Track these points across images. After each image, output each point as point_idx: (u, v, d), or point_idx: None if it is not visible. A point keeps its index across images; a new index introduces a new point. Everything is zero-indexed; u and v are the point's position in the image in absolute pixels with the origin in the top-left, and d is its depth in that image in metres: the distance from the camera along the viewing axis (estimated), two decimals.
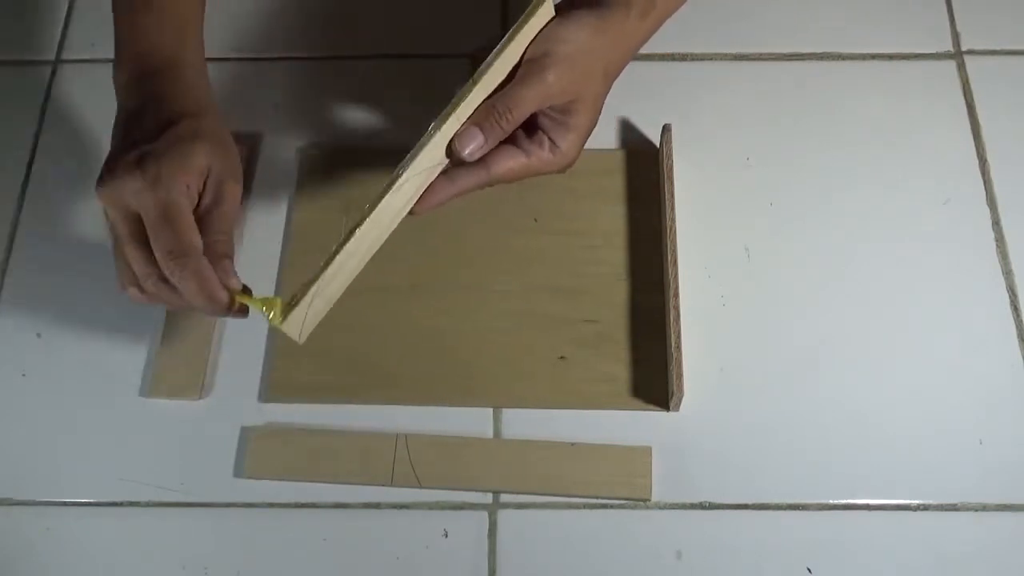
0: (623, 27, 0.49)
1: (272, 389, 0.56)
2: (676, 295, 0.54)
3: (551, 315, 0.57)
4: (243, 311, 0.48)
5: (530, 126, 0.50)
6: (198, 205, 0.48)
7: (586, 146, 0.61)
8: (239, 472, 0.54)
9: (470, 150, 0.48)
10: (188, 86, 0.51)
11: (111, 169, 0.47)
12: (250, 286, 0.58)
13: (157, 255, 0.46)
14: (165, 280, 0.46)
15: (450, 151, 0.48)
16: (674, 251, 0.56)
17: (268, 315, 0.45)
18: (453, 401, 0.55)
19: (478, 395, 0.55)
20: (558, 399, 0.55)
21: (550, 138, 0.50)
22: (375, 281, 0.58)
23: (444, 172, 0.49)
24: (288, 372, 0.56)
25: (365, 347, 0.57)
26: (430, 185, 0.49)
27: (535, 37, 0.48)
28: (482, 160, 0.49)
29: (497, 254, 0.59)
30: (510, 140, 0.49)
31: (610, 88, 0.51)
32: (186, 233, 0.46)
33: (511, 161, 0.50)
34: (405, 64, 0.66)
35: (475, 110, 0.48)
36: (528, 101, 0.47)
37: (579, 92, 0.49)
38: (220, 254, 0.47)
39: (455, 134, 0.48)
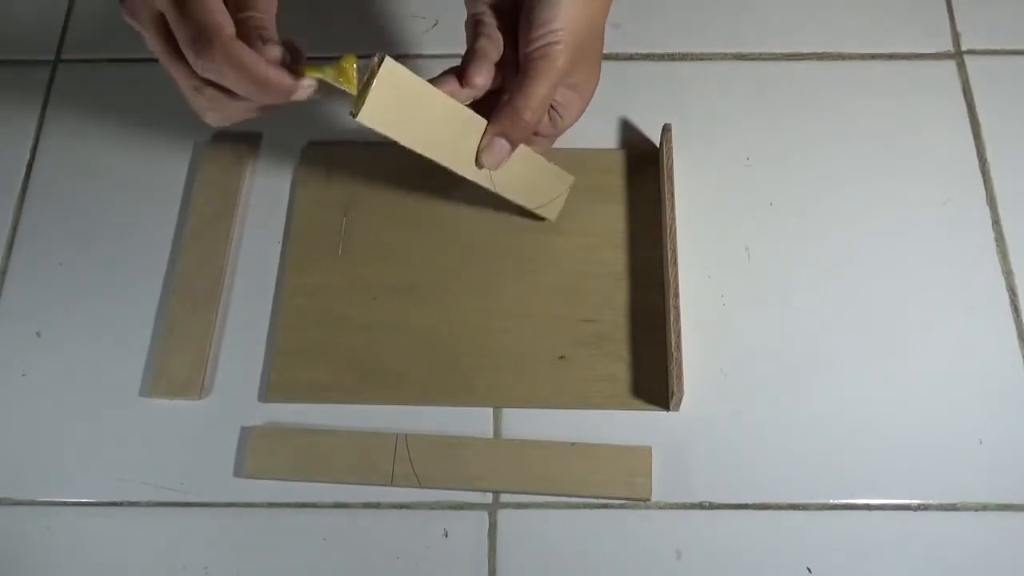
0: None
1: (272, 389, 0.56)
2: (676, 295, 0.54)
3: (551, 315, 0.57)
4: (314, 90, 0.42)
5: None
6: None
7: (587, 146, 0.62)
8: (239, 472, 0.54)
9: (500, 161, 0.49)
10: None
11: None
12: (248, 287, 0.59)
13: (184, 50, 0.39)
14: (213, 84, 0.40)
15: (479, 163, 0.50)
16: (674, 251, 0.55)
17: (341, 83, 0.41)
18: (453, 401, 0.55)
19: (478, 395, 0.55)
20: (558, 399, 0.55)
21: (557, 113, 0.52)
22: (375, 281, 0.58)
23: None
24: (288, 372, 0.56)
25: (365, 347, 0.57)
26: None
27: (528, 20, 0.47)
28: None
29: (497, 254, 0.59)
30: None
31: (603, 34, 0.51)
32: (205, 13, 0.39)
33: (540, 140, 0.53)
34: (404, 64, 0.66)
35: (492, 116, 0.48)
36: (546, 95, 0.48)
37: (584, 60, 0.49)
38: (252, 28, 0.41)
39: (481, 148, 0.49)
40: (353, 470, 0.53)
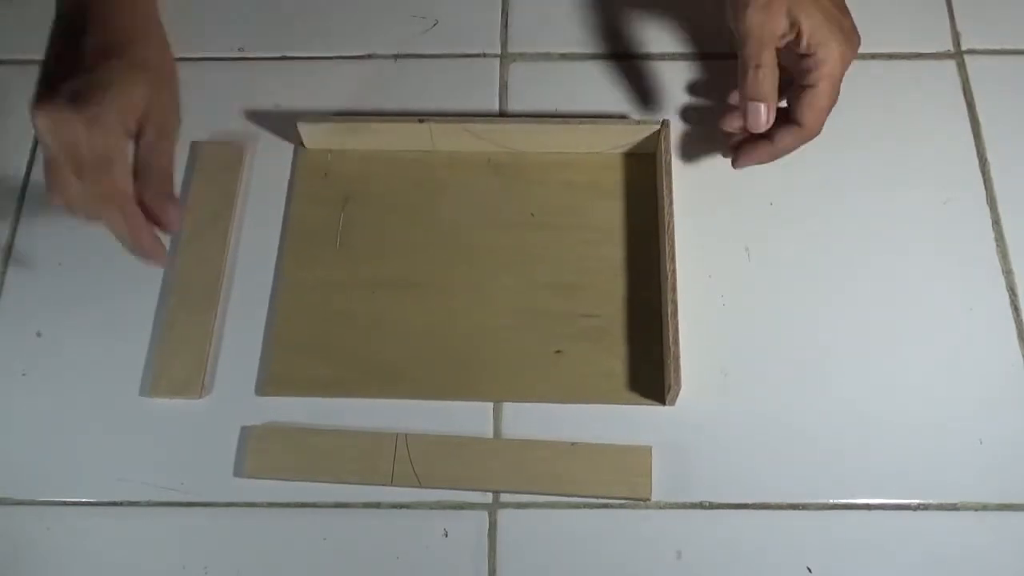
0: None
1: (269, 383, 0.56)
2: (674, 289, 0.54)
3: (549, 310, 0.57)
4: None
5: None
6: (138, 140, 0.47)
7: None
8: (239, 472, 0.54)
9: (762, 121, 0.53)
10: (135, 2, 0.49)
11: (48, 98, 0.45)
12: (247, 286, 0.59)
13: (91, 194, 0.46)
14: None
15: (751, 125, 0.53)
16: (672, 246, 0.55)
17: None
18: (451, 395, 0.55)
19: (476, 389, 0.55)
20: (555, 393, 0.55)
21: (810, 54, 0.53)
22: (373, 276, 0.58)
23: (766, 136, 0.55)
24: (286, 367, 0.56)
25: (363, 342, 0.57)
26: (751, 146, 0.56)
27: None
28: (787, 122, 0.54)
29: (495, 249, 0.59)
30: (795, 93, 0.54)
31: None
32: (119, 180, 0.46)
33: (808, 107, 0.54)
34: (405, 63, 0.66)
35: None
36: (753, 42, 0.52)
37: (789, 7, 0.52)
38: (160, 193, 0.47)
39: (746, 112, 0.53)
40: (353, 470, 0.53)
